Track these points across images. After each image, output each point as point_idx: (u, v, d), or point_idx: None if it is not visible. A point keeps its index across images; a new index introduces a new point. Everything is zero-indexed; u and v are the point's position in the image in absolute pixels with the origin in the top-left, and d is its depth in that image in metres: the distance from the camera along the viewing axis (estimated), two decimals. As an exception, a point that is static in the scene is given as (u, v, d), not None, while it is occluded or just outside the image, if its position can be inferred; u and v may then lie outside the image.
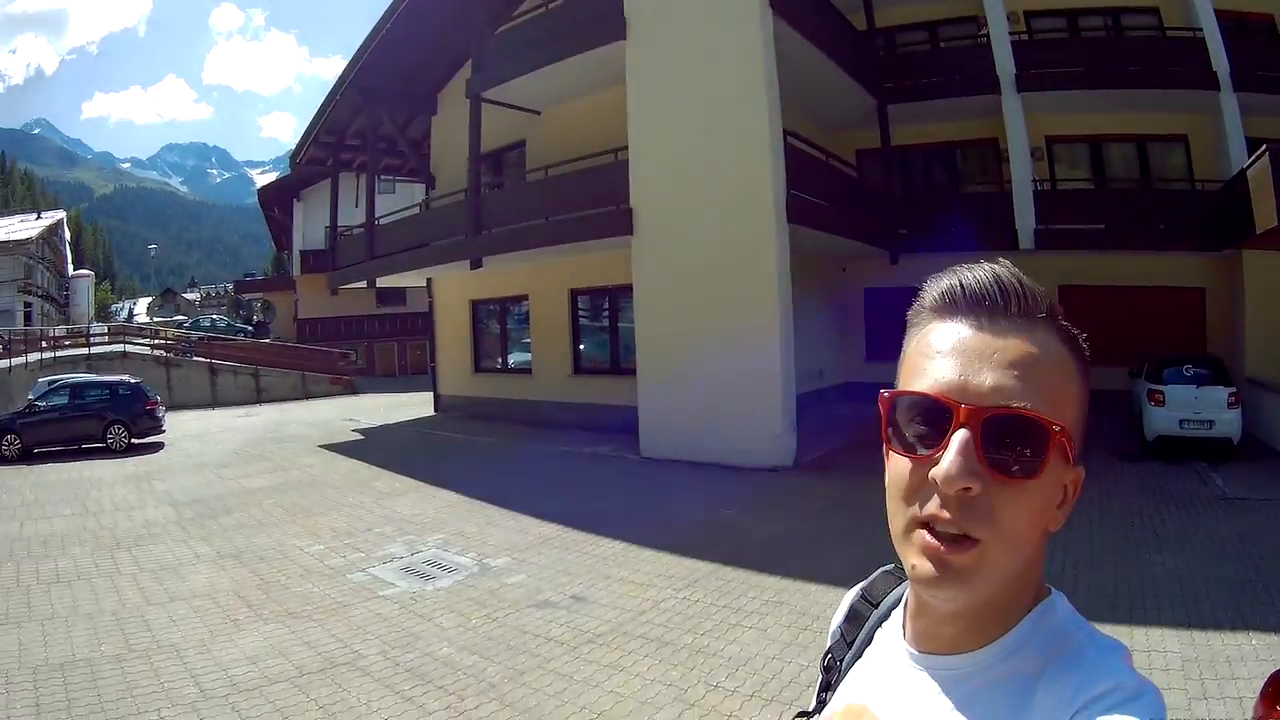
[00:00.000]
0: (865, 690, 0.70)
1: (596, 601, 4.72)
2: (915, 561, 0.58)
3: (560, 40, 11.03)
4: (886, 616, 0.75)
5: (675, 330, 9.58)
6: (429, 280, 16.06)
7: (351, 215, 15.72)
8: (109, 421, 13.38)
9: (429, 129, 16.00)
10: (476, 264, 12.01)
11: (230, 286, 57.14)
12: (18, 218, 59.37)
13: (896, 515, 0.61)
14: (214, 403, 22.35)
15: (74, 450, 13.33)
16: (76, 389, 14.12)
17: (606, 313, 12.47)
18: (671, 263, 9.68)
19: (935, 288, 0.63)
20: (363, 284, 15.68)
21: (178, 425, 15.89)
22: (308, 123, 16.41)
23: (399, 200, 17.40)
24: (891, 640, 0.71)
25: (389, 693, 3.59)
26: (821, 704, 0.79)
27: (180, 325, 36.22)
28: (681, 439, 9.33)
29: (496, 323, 14.77)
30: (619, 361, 11.47)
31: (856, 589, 0.85)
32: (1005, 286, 0.59)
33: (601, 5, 10.45)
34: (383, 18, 13.71)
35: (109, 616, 5.17)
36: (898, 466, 0.60)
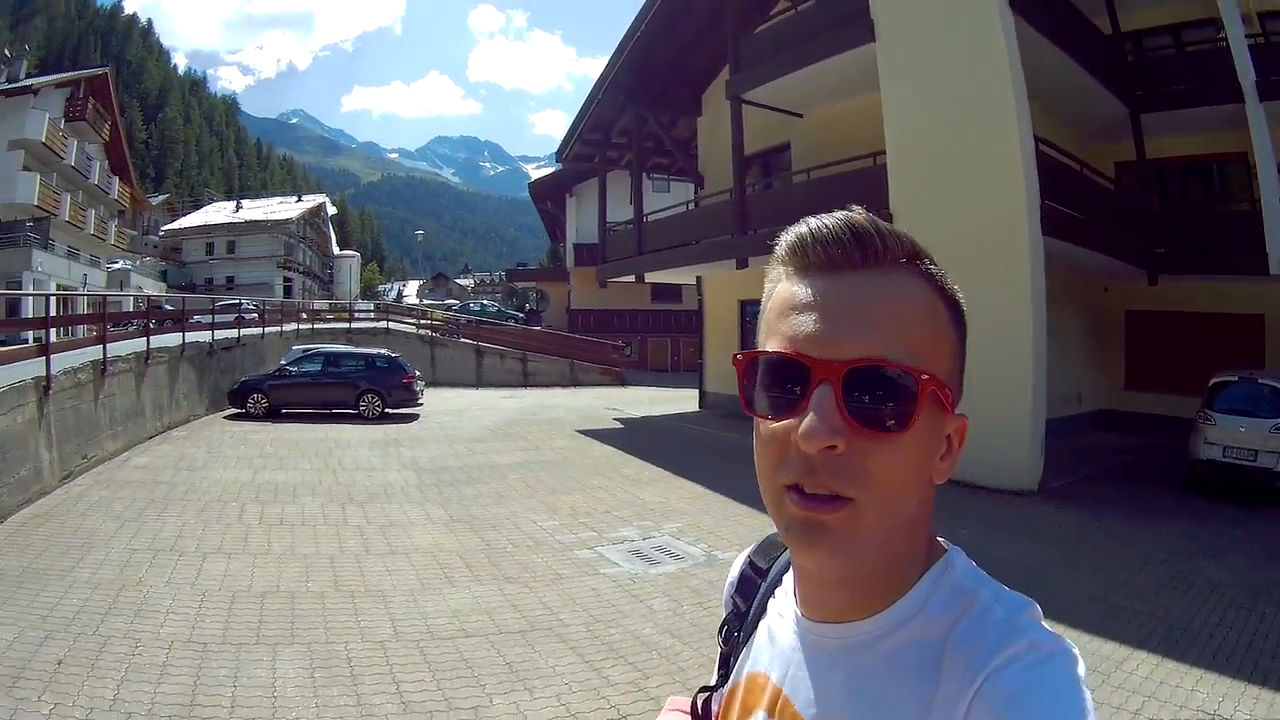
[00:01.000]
0: (764, 660, 0.85)
1: None
2: (788, 526, 0.71)
3: (810, 44, 13.45)
4: (778, 583, 0.91)
5: None
6: (698, 278, 20.13)
7: (624, 211, 20.45)
8: (362, 390, 17.87)
9: (695, 129, 19.94)
10: (742, 264, 15.05)
11: (503, 274, 73.05)
12: (277, 199, 76.75)
13: (766, 482, 0.73)
14: (478, 383, 28.44)
15: (324, 414, 17.62)
16: (332, 357, 18.94)
17: None
18: None
19: (786, 240, 0.75)
20: (631, 278, 19.95)
21: (437, 401, 20.59)
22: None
23: (674, 198, 21.81)
24: (785, 608, 0.85)
25: (578, 660, 4.83)
26: (724, 677, 0.95)
27: (450, 308, 45.84)
28: None
29: None
30: None
31: (744, 555, 1.01)
32: (859, 233, 0.72)
33: (847, 7, 12.59)
34: (636, 19, 17.41)
35: (324, 559, 7.14)
36: (761, 432, 0.73)
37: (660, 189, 24.16)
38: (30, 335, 11.52)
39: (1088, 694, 0.65)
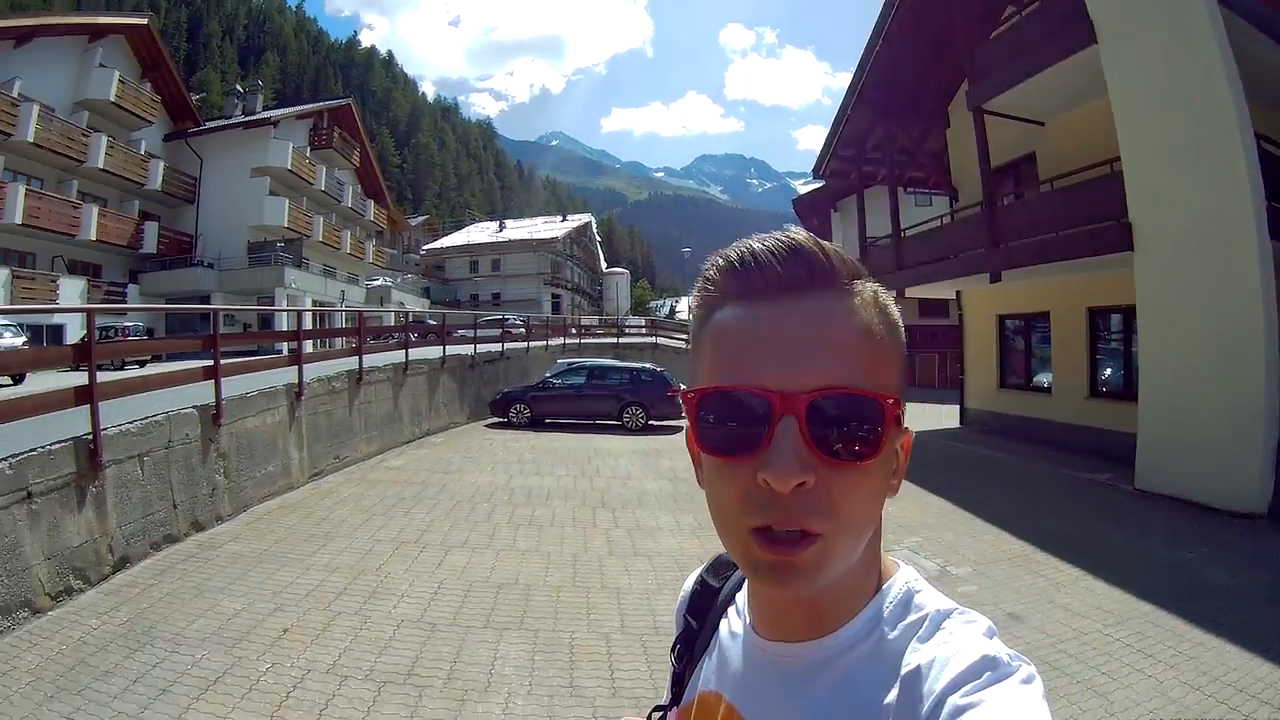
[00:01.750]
0: (718, 679, 0.90)
1: (1027, 622, 6.15)
2: (755, 569, 0.73)
3: (1035, 50, 13.74)
4: (730, 601, 0.96)
5: (1168, 356, 11.54)
6: (957, 293, 20.59)
7: (886, 226, 20.80)
8: (626, 402, 19.04)
9: (945, 142, 20.36)
10: (995, 278, 15.31)
11: None
12: (541, 219, 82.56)
13: (728, 526, 0.75)
14: None
15: (586, 425, 18.95)
16: (596, 370, 20.43)
17: (1121, 333, 15.12)
18: (1163, 281, 11.54)
19: (722, 263, 0.78)
20: (892, 294, 21.19)
21: None
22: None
23: (936, 211, 22.23)
24: (737, 627, 0.91)
25: None
26: (676, 695, 1.00)
27: None
28: (1169, 474, 11.21)
29: (1020, 339, 18.54)
30: (1132, 386, 13.71)
31: (695, 573, 1.06)
32: (805, 255, 0.75)
33: (1065, 9, 12.88)
34: (872, 35, 18.27)
35: (566, 558, 7.80)
36: (718, 473, 0.75)
37: (922, 202, 24.79)
38: (284, 346, 13.08)
39: (1046, 711, 0.68)
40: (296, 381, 11.45)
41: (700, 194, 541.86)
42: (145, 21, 38.25)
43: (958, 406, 21.18)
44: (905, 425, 0.80)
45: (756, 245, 0.77)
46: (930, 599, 0.80)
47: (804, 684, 0.79)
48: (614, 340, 35.92)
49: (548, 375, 21.01)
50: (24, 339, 21.45)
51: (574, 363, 22.27)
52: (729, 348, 0.75)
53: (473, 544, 8.31)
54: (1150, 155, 11.79)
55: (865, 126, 20.52)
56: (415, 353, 16.36)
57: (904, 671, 0.73)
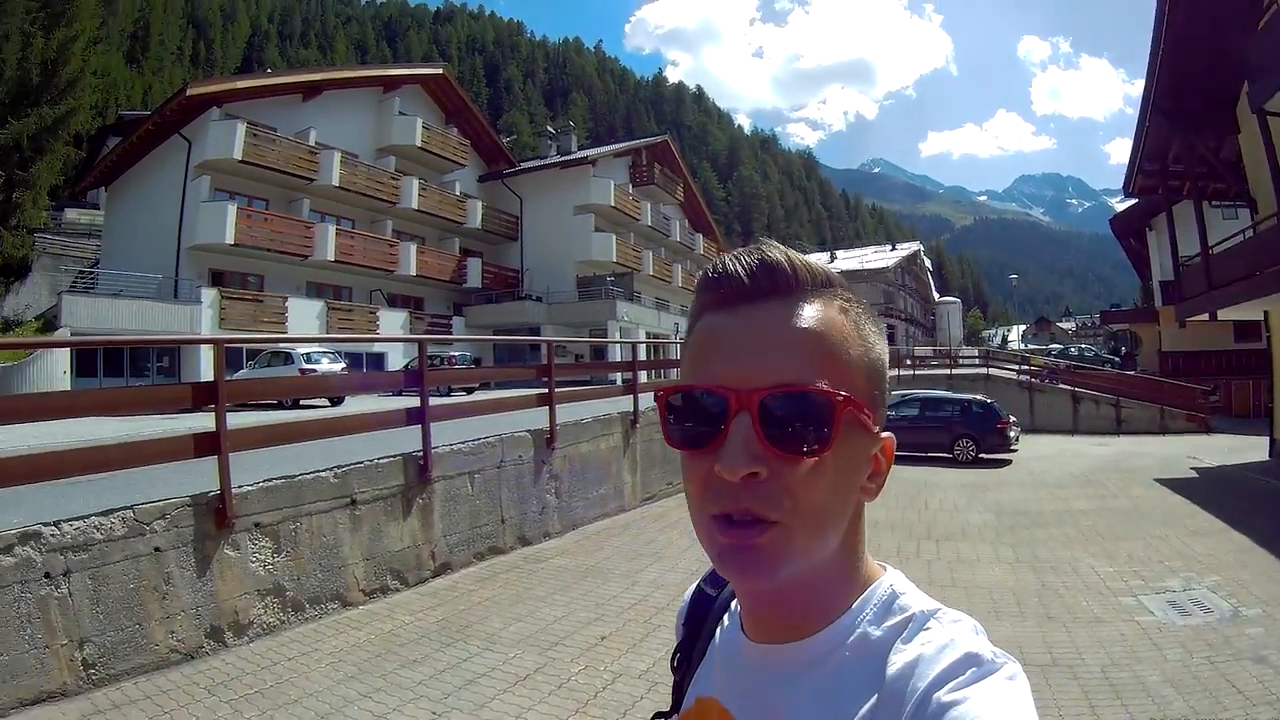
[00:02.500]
0: (714, 685, 0.93)
1: None
2: (719, 554, 0.77)
3: None
4: (725, 608, 1.00)
5: None
6: (1265, 313, 18.74)
7: (1195, 243, 19.33)
8: (958, 434, 18.92)
9: (1239, 149, 18.35)
10: None
11: (1099, 317, 71.56)
12: (872, 249, 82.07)
13: (695, 514, 0.79)
14: (1074, 429, 28.96)
15: (918, 457, 18.74)
16: (929, 402, 20.52)
17: None
18: None
19: (703, 276, 0.84)
20: (1204, 316, 19.32)
21: (1031, 447, 21.28)
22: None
23: (1242, 225, 19.83)
24: (732, 633, 0.93)
25: (1081, 697, 5.22)
26: (677, 703, 1.03)
27: (1049, 354, 47.78)
28: None
29: None
30: None
31: (695, 584, 1.10)
32: (770, 264, 0.80)
33: None
34: (1152, 44, 17.30)
35: None
36: (686, 466, 0.79)
37: (1229, 215, 22.77)
38: (618, 376, 13.85)
39: (1032, 707, 0.69)
40: (632, 410, 12.09)
41: (1023, 217, 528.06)
42: (441, 71, 41.45)
43: (1267, 438, 19.38)
44: (881, 432, 0.83)
45: (730, 258, 0.83)
46: (915, 600, 0.83)
47: (791, 685, 0.82)
48: (947, 371, 35.66)
49: None
50: (342, 365, 23.47)
51: (907, 394, 22.38)
52: (699, 351, 0.81)
53: None
54: None
55: (1163, 138, 19.45)
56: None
57: (889, 670, 0.76)
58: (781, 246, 0.84)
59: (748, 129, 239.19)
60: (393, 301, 36.87)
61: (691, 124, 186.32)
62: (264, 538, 6.44)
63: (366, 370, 31.12)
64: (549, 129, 57.90)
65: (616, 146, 51.68)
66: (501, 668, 5.51)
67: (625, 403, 12.27)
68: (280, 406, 15.97)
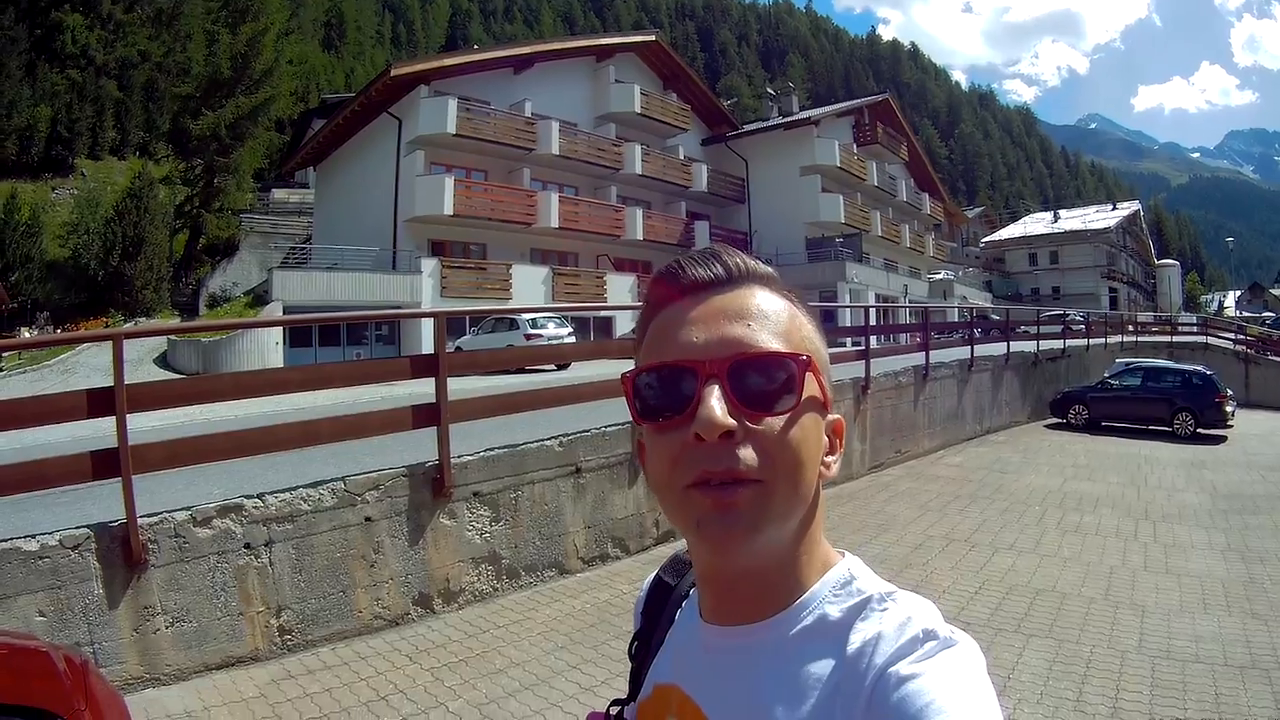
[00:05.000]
0: (672, 671, 0.92)
1: None
2: (699, 521, 0.75)
3: None
4: (685, 596, 1.00)
5: None
6: None
7: None
8: (1177, 408, 18.04)
9: None
10: None
11: None
12: (1093, 208, 77.81)
13: (664, 489, 0.79)
14: None
15: (1138, 429, 18.11)
16: (1151, 372, 19.51)
17: None
18: None
19: (661, 272, 0.86)
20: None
21: (1246, 423, 19.97)
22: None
23: None
24: (690, 619, 0.93)
25: (1270, 699, 4.98)
26: (634, 691, 1.02)
27: (1264, 323, 45.06)
28: None
29: None
30: None
31: (654, 571, 1.09)
32: (724, 259, 0.84)
33: None
34: None
35: (1104, 569, 7.69)
36: (655, 443, 0.79)
37: None
38: (849, 341, 13.65)
39: (988, 683, 0.70)
40: (863, 376, 11.89)
41: (1235, 175, 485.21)
42: (654, 38, 40.87)
43: None
44: (832, 412, 0.85)
45: (687, 256, 0.86)
46: (871, 583, 0.83)
47: (751, 667, 0.81)
48: (1168, 339, 33.69)
49: (1105, 375, 20.49)
50: (569, 330, 23.25)
51: (1131, 363, 21.44)
52: (661, 336, 0.83)
53: (1019, 547, 8.51)
54: None
55: None
56: (980, 349, 16.57)
57: (849, 648, 0.76)
58: (729, 246, 0.89)
59: (964, 85, 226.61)
60: (619, 266, 36.98)
61: (910, 81, 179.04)
62: (482, 506, 6.55)
63: (594, 335, 31.41)
64: (769, 91, 57.29)
65: (838, 106, 50.94)
66: None
67: (857, 368, 12.04)
68: (506, 372, 16.50)
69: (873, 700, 0.71)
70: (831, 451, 0.85)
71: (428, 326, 27.96)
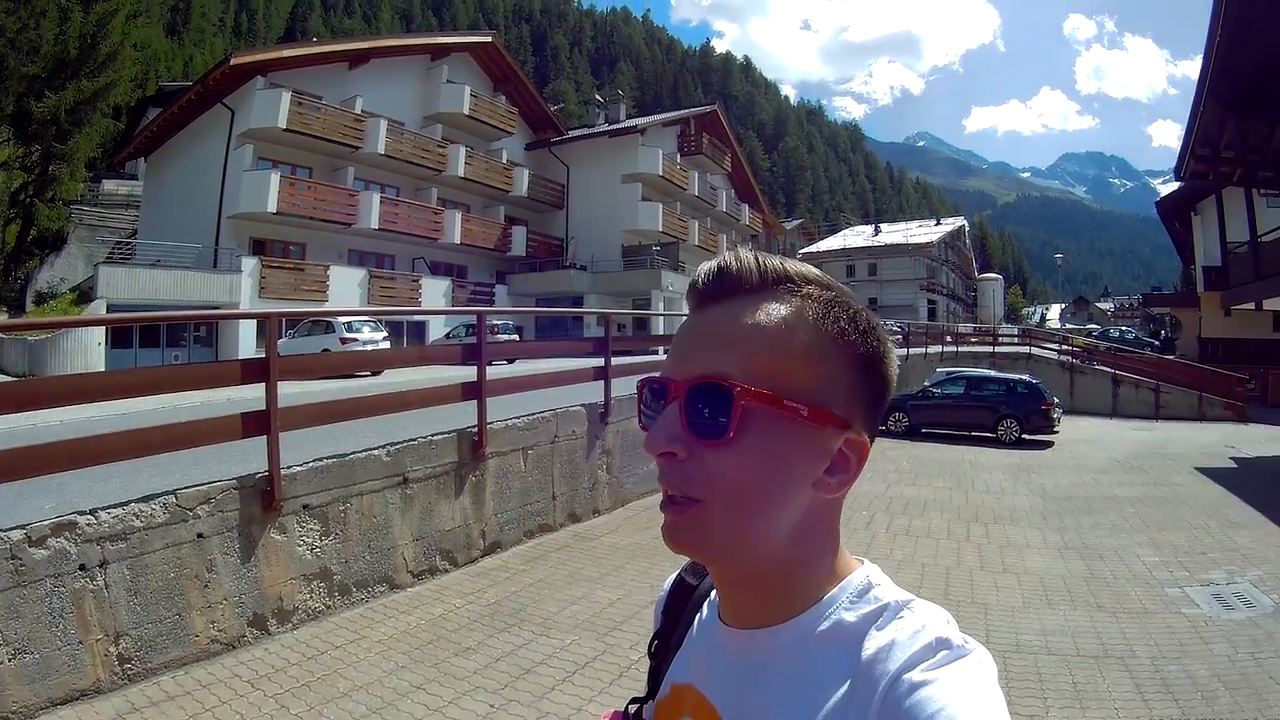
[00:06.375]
0: (690, 671, 0.95)
1: None
2: (662, 528, 0.83)
3: None
4: (705, 597, 1.03)
5: None
6: None
7: (1244, 230, 19.73)
8: (1001, 415, 18.90)
9: None
10: None
11: (1140, 299, 71.64)
12: (916, 223, 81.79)
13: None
14: (1113, 412, 29.02)
15: (960, 436, 18.93)
16: (973, 381, 20.38)
17: None
18: None
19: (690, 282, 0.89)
20: (1251, 305, 19.66)
21: (1071, 429, 21.28)
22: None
23: None
24: (709, 620, 0.96)
25: (1134, 690, 5.25)
26: (653, 689, 1.05)
27: (1089, 334, 47.86)
28: None
29: None
30: None
31: (676, 573, 1.12)
32: (721, 270, 0.86)
33: None
34: (1210, 29, 17.14)
35: (939, 570, 7.90)
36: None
37: (1274, 204, 23.00)
38: (664, 349, 13.67)
39: (998, 693, 0.72)
40: None
41: (1066, 195, 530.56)
42: (490, 39, 41.40)
43: None
44: (852, 430, 0.85)
45: (704, 266, 0.89)
46: (888, 591, 0.86)
47: (766, 669, 0.84)
48: (990, 350, 35.65)
49: (927, 384, 21.46)
50: (384, 335, 23.34)
51: (953, 372, 22.61)
52: (671, 347, 0.90)
53: (850, 551, 8.83)
54: None
55: (1217, 124, 19.45)
56: None
57: (863, 655, 0.78)
58: (740, 250, 0.90)
59: (794, 100, 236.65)
60: (435, 269, 37.01)
61: (738, 94, 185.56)
62: (312, 520, 6.32)
63: (407, 340, 31.50)
64: (597, 98, 57.75)
65: (665, 116, 51.74)
66: (559, 654, 5.49)
67: None
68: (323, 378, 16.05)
69: (884, 706, 0.72)
70: (836, 469, 0.84)
71: (246, 329, 27.30)
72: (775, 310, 0.83)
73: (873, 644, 0.78)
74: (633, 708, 1.07)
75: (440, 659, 5.45)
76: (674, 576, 1.12)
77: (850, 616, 0.83)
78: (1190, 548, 9.43)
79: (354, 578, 6.61)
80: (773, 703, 0.81)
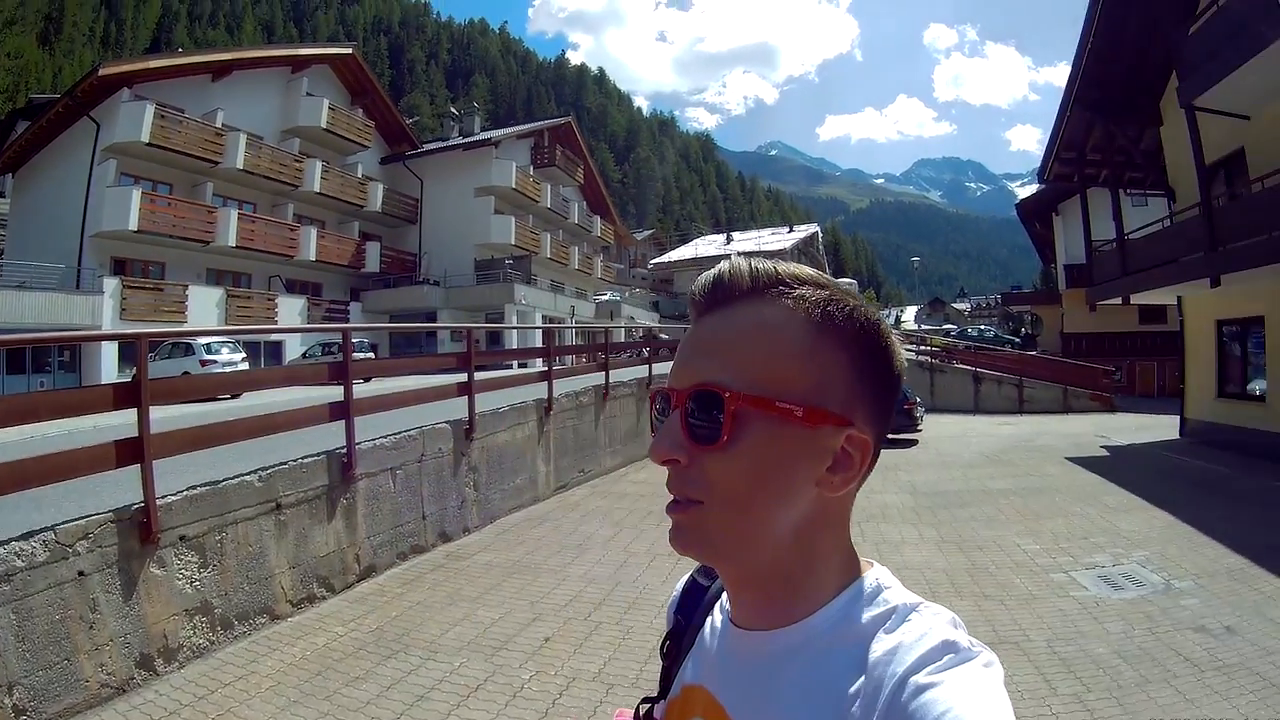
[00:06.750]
0: (701, 672, 0.95)
1: (1243, 635, 6.12)
2: (669, 530, 0.85)
3: (1240, 38, 13.22)
4: (717, 598, 1.03)
5: None
6: (1179, 298, 19.92)
7: (1109, 228, 20.75)
8: None
9: (1160, 139, 19.74)
10: (1215, 282, 14.82)
11: (999, 298, 74.22)
12: (768, 230, 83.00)
13: None
14: (975, 409, 29.66)
15: None
16: None
17: None
18: None
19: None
20: (1117, 300, 20.47)
21: (936, 427, 21.99)
22: (1048, 135, 21.90)
23: (1153, 213, 21.51)
24: (720, 621, 0.97)
25: (1034, 672, 5.39)
26: (665, 689, 1.05)
27: (947, 334, 49.23)
28: None
29: (1237, 345, 17.86)
30: None
31: (689, 575, 1.13)
32: (716, 279, 0.87)
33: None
34: (1081, 35, 18.13)
35: None
36: None
37: (1139, 204, 24.18)
38: (514, 363, 13.28)
39: (1005, 696, 0.73)
40: (547, 397, 11.97)
41: (921, 200, 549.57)
42: (350, 51, 40.90)
43: (1177, 417, 20.67)
44: (854, 427, 0.84)
45: (701, 276, 0.91)
46: (897, 594, 0.86)
47: (776, 671, 0.85)
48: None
49: None
50: (242, 355, 23.02)
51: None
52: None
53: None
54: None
55: (1084, 128, 20.45)
56: (657, 367, 17.18)
57: (871, 658, 0.78)
58: (735, 258, 0.90)
59: (646, 111, 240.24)
60: (290, 287, 35.96)
61: (591, 106, 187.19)
62: (190, 551, 5.99)
63: (264, 360, 30.86)
64: (452, 110, 57.72)
65: (520, 128, 51.51)
66: (450, 679, 5.32)
67: (540, 390, 12.17)
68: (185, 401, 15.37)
69: (891, 708, 0.72)
70: (839, 467, 0.84)
71: (109, 352, 26.89)
72: (766, 314, 0.85)
73: (880, 646, 0.78)
74: (644, 708, 1.08)
75: (332, 690, 5.23)
76: (686, 578, 1.13)
77: (858, 619, 0.83)
78: (1071, 534, 9.58)
79: (234, 610, 6.31)
80: (782, 704, 0.82)
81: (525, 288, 39.83)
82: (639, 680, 5.29)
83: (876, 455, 0.88)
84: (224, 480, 6.34)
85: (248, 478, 6.52)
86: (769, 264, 0.88)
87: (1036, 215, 42.23)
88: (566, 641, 5.95)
